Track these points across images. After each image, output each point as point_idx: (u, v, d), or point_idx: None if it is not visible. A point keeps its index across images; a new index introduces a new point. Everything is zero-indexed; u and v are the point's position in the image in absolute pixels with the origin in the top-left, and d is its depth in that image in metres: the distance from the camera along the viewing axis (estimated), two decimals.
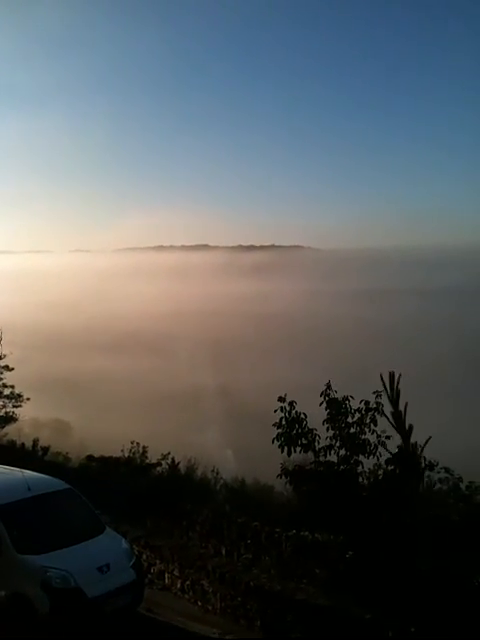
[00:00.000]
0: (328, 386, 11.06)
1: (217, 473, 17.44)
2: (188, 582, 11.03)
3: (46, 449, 20.41)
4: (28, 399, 25.08)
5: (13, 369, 28.91)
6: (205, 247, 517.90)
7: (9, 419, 23.90)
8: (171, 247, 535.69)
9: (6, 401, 24.46)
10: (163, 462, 17.26)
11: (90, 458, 18.40)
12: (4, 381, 25.16)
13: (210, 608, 10.48)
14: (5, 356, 32.61)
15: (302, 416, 10.86)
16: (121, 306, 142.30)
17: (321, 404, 11.02)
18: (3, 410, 24.15)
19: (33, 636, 8.57)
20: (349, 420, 10.77)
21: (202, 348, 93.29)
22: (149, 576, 11.37)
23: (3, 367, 32.50)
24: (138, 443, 18.02)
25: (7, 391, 24.74)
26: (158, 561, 11.73)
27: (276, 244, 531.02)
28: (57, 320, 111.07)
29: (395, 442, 10.12)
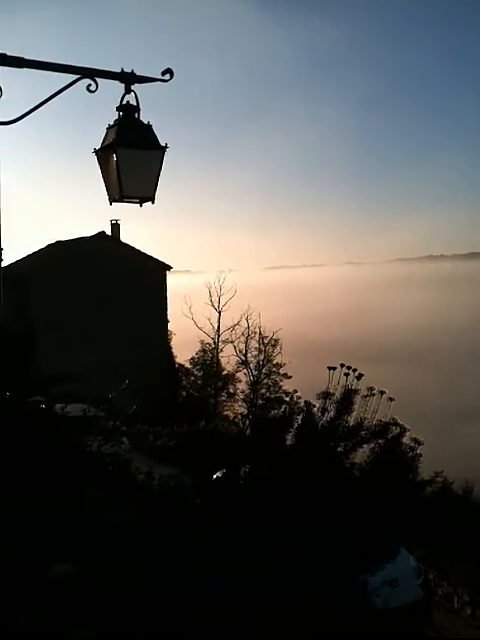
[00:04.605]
0: None
1: None
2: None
3: None
4: None
5: (291, 377, 30.52)
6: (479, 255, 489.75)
7: None
8: (442, 256, 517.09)
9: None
10: (437, 479, 16.66)
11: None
12: (285, 388, 26.63)
13: None
14: (285, 365, 34.76)
15: None
16: (389, 318, 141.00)
17: None
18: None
19: None
20: None
21: (474, 362, 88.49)
22: (436, 598, 11.01)
23: (282, 374, 34.69)
24: None
25: (287, 398, 26.08)
26: (445, 583, 11.29)
27: None
28: (328, 332, 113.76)
29: None
